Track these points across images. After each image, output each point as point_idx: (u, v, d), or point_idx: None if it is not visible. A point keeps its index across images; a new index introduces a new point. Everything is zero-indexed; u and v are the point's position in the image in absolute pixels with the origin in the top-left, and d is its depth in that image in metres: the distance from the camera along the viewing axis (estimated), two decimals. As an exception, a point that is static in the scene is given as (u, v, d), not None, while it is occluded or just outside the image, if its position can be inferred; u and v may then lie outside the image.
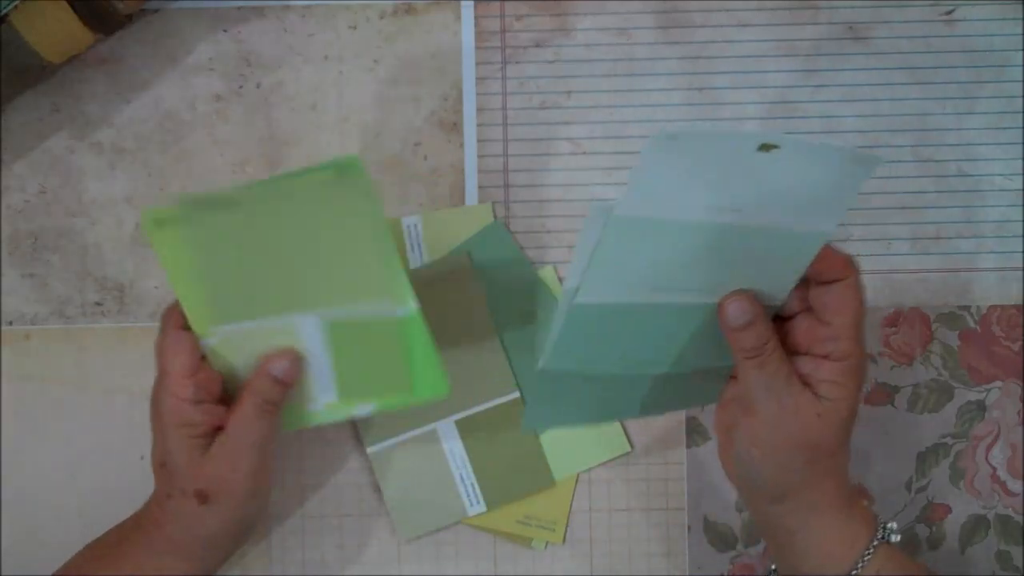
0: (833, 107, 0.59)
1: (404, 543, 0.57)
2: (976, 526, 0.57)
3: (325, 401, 0.51)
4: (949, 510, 0.57)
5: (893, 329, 0.58)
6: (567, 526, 0.56)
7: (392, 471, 0.56)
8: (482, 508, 0.56)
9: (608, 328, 0.49)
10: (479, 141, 0.59)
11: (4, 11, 0.52)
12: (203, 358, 0.49)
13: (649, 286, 0.47)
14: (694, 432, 0.58)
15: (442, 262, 0.58)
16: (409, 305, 0.49)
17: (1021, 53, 0.59)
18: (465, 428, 0.57)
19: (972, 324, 0.58)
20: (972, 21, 0.60)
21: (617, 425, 0.57)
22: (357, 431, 0.57)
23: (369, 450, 0.56)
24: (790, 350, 0.48)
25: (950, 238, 0.59)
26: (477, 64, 0.59)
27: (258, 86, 0.59)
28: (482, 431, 0.57)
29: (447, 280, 0.57)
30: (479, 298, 0.57)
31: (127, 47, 0.59)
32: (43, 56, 0.54)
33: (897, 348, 0.58)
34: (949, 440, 0.57)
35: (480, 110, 0.59)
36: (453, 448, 0.57)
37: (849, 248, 0.58)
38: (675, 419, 0.57)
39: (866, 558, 0.47)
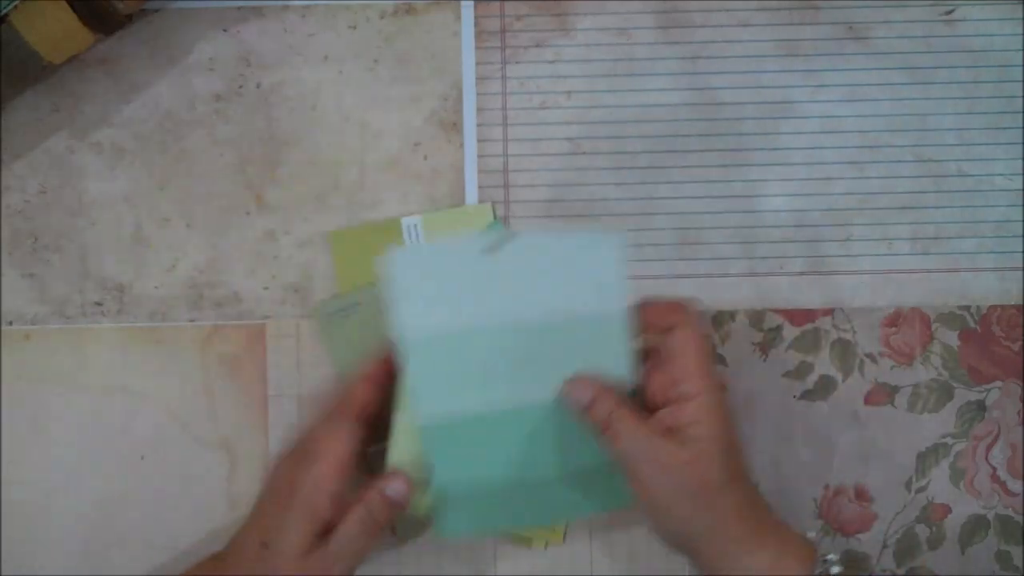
0: (833, 107, 0.59)
1: (404, 543, 0.57)
2: (976, 526, 0.57)
3: None
4: (949, 510, 0.57)
5: (893, 329, 0.58)
6: (567, 526, 0.56)
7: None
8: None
9: (470, 443, 0.50)
10: (479, 141, 0.59)
11: (4, 11, 0.52)
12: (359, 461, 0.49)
13: (483, 397, 0.50)
14: (694, 432, 0.58)
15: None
16: None
17: (1021, 53, 0.59)
18: None
19: (972, 324, 0.58)
20: (972, 21, 0.60)
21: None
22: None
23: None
24: (652, 408, 0.49)
25: (950, 238, 0.59)
26: (477, 64, 0.59)
27: (258, 86, 0.59)
28: None
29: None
30: None
31: (127, 47, 0.59)
32: (43, 56, 0.54)
33: (897, 348, 0.58)
34: (949, 440, 0.57)
35: (480, 110, 0.59)
36: None
37: (849, 248, 0.58)
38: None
39: None
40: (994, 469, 0.57)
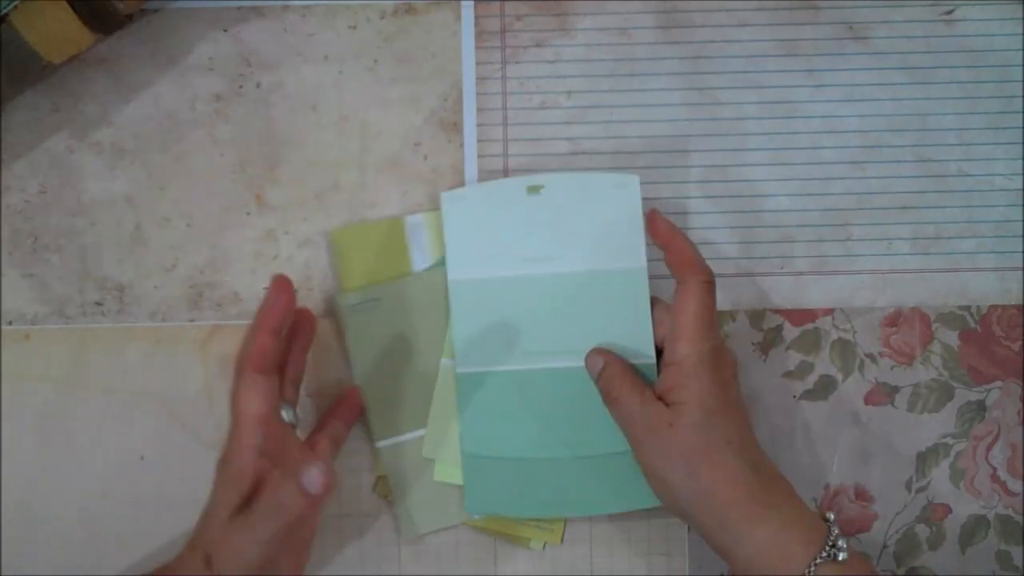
0: (833, 107, 0.59)
1: (404, 543, 0.57)
2: (976, 526, 0.57)
3: None
4: (949, 510, 0.57)
5: (893, 329, 0.58)
6: (565, 527, 0.56)
7: (399, 468, 0.56)
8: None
9: (503, 402, 0.54)
10: (479, 141, 0.59)
11: (4, 11, 0.52)
12: (278, 413, 0.49)
13: (518, 350, 0.54)
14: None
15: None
16: None
17: (1021, 53, 0.59)
18: None
19: (972, 324, 0.58)
20: (972, 21, 0.60)
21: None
22: (362, 430, 0.57)
23: (378, 445, 0.56)
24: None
25: (950, 238, 0.59)
26: (477, 64, 0.59)
27: (258, 86, 0.59)
28: None
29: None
30: None
31: (127, 47, 0.59)
32: (43, 56, 0.54)
33: (897, 348, 0.58)
34: (949, 440, 0.57)
35: (480, 110, 0.59)
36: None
37: (849, 248, 0.58)
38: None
39: None
40: (994, 469, 0.57)
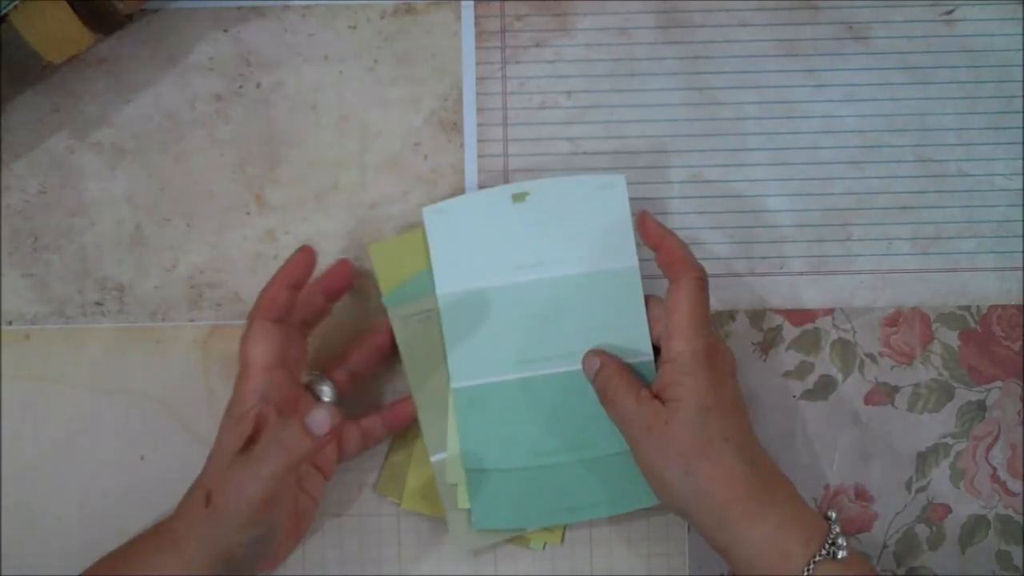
0: (833, 107, 0.59)
1: (406, 544, 0.57)
2: (976, 526, 0.57)
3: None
4: (949, 510, 0.57)
5: (893, 329, 0.58)
6: (565, 527, 0.56)
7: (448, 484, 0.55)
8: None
9: (502, 413, 0.54)
10: (479, 141, 0.59)
11: (4, 11, 0.52)
12: (286, 363, 0.50)
13: (514, 359, 0.54)
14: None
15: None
16: None
17: (1021, 53, 0.59)
18: None
19: (972, 324, 0.58)
20: (972, 21, 0.60)
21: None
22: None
23: (433, 459, 0.55)
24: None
25: (950, 238, 0.59)
26: (477, 64, 0.59)
27: (258, 86, 0.59)
28: None
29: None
30: None
31: (127, 47, 0.59)
32: (43, 56, 0.54)
33: (897, 348, 0.58)
34: (949, 440, 0.57)
35: (480, 110, 0.59)
36: None
37: (849, 248, 0.58)
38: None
39: None
40: (994, 469, 0.57)
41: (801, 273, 0.58)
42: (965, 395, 0.58)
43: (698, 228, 0.58)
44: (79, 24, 0.54)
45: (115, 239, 0.58)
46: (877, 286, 0.58)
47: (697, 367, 0.48)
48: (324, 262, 0.58)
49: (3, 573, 0.56)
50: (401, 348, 0.55)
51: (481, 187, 0.58)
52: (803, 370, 0.58)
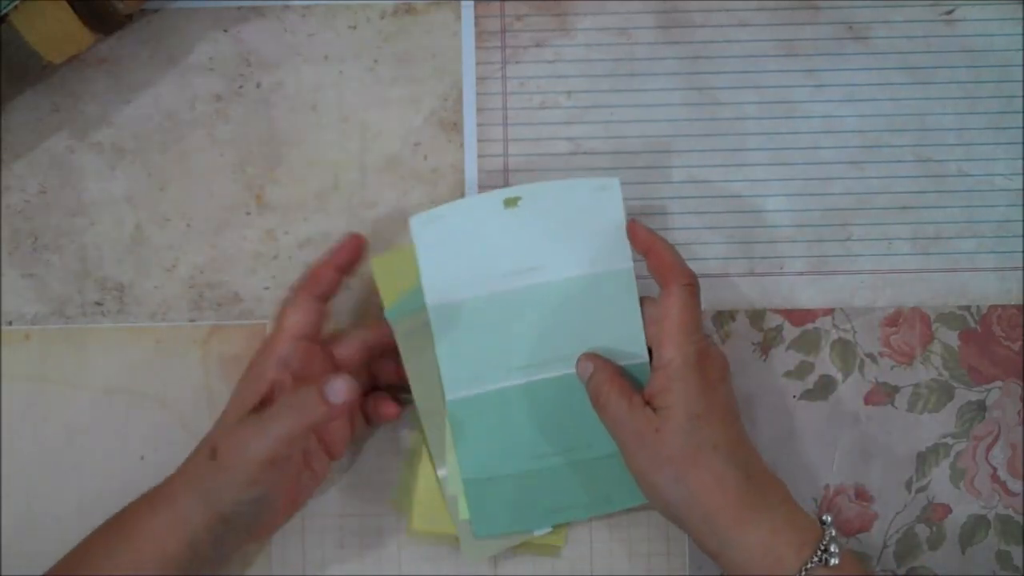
0: (833, 107, 0.59)
1: (406, 544, 0.57)
2: (976, 526, 0.57)
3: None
4: (949, 510, 0.57)
5: (893, 329, 0.58)
6: (567, 528, 0.56)
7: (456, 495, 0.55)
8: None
9: (497, 421, 0.53)
10: (479, 141, 0.59)
11: (4, 11, 0.52)
12: (317, 338, 0.51)
13: (508, 366, 0.53)
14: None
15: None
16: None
17: (1021, 53, 0.59)
18: None
19: (972, 324, 0.58)
20: (972, 21, 0.60)
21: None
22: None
23: (440, 473, 0.54)
24: None
25: (950, 238, 0.59)
26: (477, 64, 0.59)
27: (258, 86, 0.59)
28: None
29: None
30: None
31: (127, 47, 0.59)
32: (43, 56, 0.54)
33: (897, 348, 0.58)
34: (949, 440, 0.57)
35: (480, 110, 0.59)
36: None
37: (849, 248, 0.58)
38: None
39: None
40: (994, 469, 0.57)
41: (801, 273, 0.58)
42: (965, 395, 0.58)
43: (698, 228, 0.58)
44: (79, 24, 0.54)
45: (115, 239, 0.58)
46: (877, 286, 0.58)
47: (688, 373, 0.48)
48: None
49: (3, 573, 0.56)
50: (404, 362, 0.54)
51: (481, 187, 0.58)
52: (803, 370, 0.58)
